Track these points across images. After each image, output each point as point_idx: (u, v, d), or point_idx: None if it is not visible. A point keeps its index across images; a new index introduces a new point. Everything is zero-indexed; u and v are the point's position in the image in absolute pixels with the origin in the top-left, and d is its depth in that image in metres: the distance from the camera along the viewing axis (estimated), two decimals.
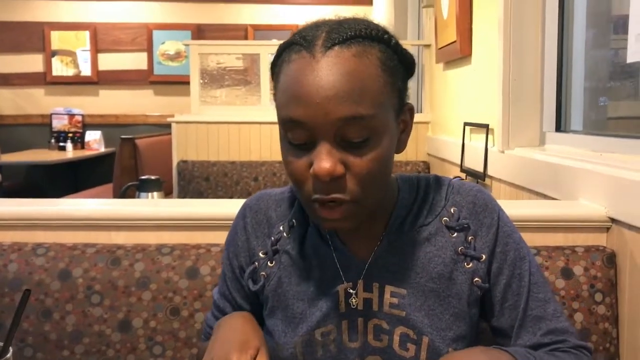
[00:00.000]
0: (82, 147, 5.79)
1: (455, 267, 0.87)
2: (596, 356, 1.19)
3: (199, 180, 3.40)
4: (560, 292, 1.20)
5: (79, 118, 5.88)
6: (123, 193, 2.50)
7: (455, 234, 0.87)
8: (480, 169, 2.25)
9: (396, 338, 0.86)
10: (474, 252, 0.87)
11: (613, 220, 1.27)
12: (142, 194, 2.31)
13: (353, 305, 0.86)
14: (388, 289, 0.86)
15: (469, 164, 2.47)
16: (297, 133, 0.76)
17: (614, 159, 1.44)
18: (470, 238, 0.87)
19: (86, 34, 5.89)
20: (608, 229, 1.29)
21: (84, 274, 1.22)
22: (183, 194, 3.42)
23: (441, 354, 0.84)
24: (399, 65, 0.80)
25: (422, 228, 0.88)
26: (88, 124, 5.90)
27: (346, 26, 0.77)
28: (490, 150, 2.17)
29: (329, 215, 0.77)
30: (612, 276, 1.22)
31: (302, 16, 5.84)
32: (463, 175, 2.52)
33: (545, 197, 1.64)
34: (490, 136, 2.19)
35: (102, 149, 5.71)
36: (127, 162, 3.97)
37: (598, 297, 1.21)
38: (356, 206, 0.77)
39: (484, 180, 2.24)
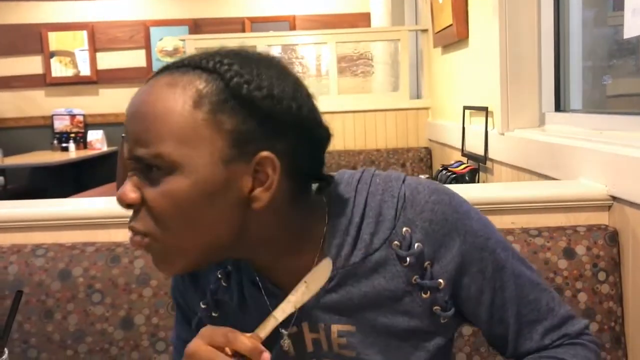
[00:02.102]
0: (85, 147, 5.80)
1: (411, 300, 0.76)
2: (601, 335, 1.18)
3: None
4: (563, 273, 1.19)
5: (80, 118, 5.88)
6: None
7: (408, 261, 0.75)
8: (481, 152, 2.24)
9: None
10: (429, 282, 0.75)
11: (614, 198, 1.26)
12: None
13: (285, 348, 0.79)
14: (335, 328, 0.77)
15: (470, 147, 2.46)
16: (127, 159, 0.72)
17: (614, 137, 1.42)
18: (426, 264, 0.75)
19: (84, 34, 5.88)
20: (609, 207, 1.28)
21: (84, 273, 1.21)
22: None
23: None
24: (240, 104, 0.67)
25: (368, 258, 0.75)
26: (90, 123, 5.90)
27: (194, 56, 0.71)
28: (490, 133, 2.16)
29: (135, 246, 0.71)
30: (615, 255, 1.21)
31: (299, 7, 5.82)
32: (464, 160, 2.50)
33: (547, 177, 1.62)
34: (489, 119, 2.18)
35: (105, 148, 5.71)
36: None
37: (601, 276, 1.20)
38: (152, 243, 0.70)
39: (485, 163, 2.23)
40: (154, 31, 5.89)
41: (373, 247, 0.75)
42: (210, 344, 0.68)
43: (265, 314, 0.73)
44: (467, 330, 1.19)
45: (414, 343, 0.78)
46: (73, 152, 5.59)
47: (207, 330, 0.70)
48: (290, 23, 5.87)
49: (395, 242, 0.75)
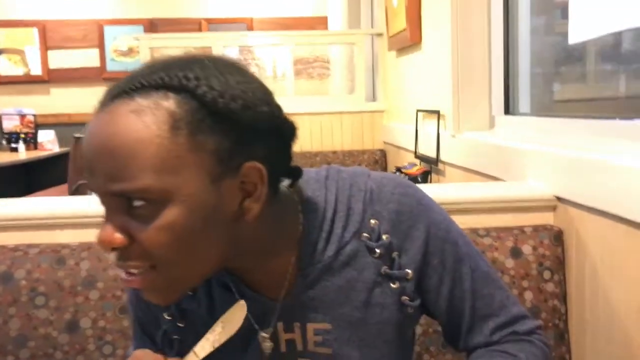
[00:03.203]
0: (35, 148, 5.64)
1: (381, 290, 0.78)
2: (546, 333, 1.21)
3: None
4: (510, 272, 1.22)
5: (31, 118, 5.71)
6: (75, 191, 2.44)
7: (377, 252, 0.77)
8: (433, 154, 2.27)
9: None
10: (398, 272, 0.78)
11: (559, 199, 1.29)
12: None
13: (267, 351, 0.79)
14: (310, 327, 0.78)
15: (423, 150, 2.49)
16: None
17: (560, 140, 1.46)
18: (394, 255, 0.77)
19: (34, 31, 5.73)
20: (555, 207, 1.31)
21: (27, 276, 1.18)
22: None
23: None
24: (217, 120, 0.64)
25: (340, 252, 0.76)
26: (40, 124, 5.74)
27: (148, 72, 0.65)
28: (442, 135, 2.19)
29: (131, 284, 0.67)
30: (559, 254, 1.25)
31: (256, 9, 5.80)
32: (417, 162, 2.53)
33: (496, 179, 1.66)
34: (441, 121, 2.21)
35: (56, 149, 5.57)
36: (81, 161, 3.88)
37: (547, 275, 1.23)
38: (154, 276, 0.66)
39: (437, 165, 2.26)
40: (108, 30, 5.78)
41: (344, 240, 0.76)
42: None
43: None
44: (417, 329, 1.20)
45: (386, 336, 0.79)
46: (23, 153, 5.43)
47: (139, 353, 0.71)
48: (247, 25, 5.85)
49: (365, 234, 0.77)
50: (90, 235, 1.27)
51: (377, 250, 0.77)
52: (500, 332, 0.82)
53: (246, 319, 0.75)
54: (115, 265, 0.67)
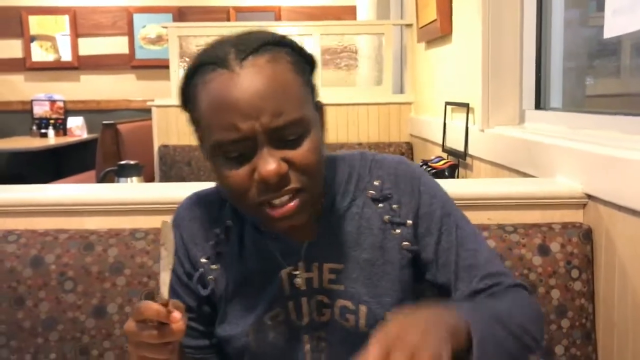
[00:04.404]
0: (64, 134, 5.71)
1: (385, 236, 0.92)
2: (572, 332, 1.20)
3: (181, 165, 3.37)
4: (537, 269, 1.20)
5: (61, 104, 5.80)
6: (102, 179, 2.48)
7: (381, 205, 0.93)
8: (461, 148, 2.25)
9: (336, 310, 0.91)
10: (399, 219, 0.92)
11: (589, 196, 1.27)
12: (122, 179, 2.28)
13: (297, 285, 0.91)
14: (326, 266, 0.91)
15: (451, 143, 2.47)
16: (234, 147, 0.79)
17: (591, 136, 1.44)
18: (395, 206, 0.93)
19: (65, 19, 5.78)
20: (584, 205, 1.29)
21: (56, 260, 1.20)
22: (165, 179, 3.39)
23: (379, 319, 0.89)
24: (306, 65, 0.85)
25: (352, 204, 0.93)
26: (70, 110, 5.82)
27: (249, 37, 0.82)
28: (471, 129, 2.16)
29: (279, 213, 0.80)
30: (588, 252, 1.23)
31: None
32: (445, 155, 2.51)
33: (525, 174, 1.63)
34: (470, 115, 2.19)
35: (85, 135, 5.64)
36: (109, 148, 3.92)
37: (574, 273, 1.21)
38: (304, 195, 0.81)
39: (465, 160, 2.24)
40: (137, 18, 5.81)
41: (355, 195, 0.93)
42: (135, 320, 0.75)
43: (268, 254, 0.90)
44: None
45: (389, 276, 0.91)
46: (52, 139, 5.52)
47: (133, 310, 0.77)
48: (275, 14, 5.83)
49: (370, 190, 0.93)
50: (117, 222, 1.28)
51: (381, 203, 0.93)
52: (487, 281, 0.91)
53: (273, 257, 0.90)
54: (266, 199, 0.79)
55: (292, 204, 0.80)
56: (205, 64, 0.80)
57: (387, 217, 0.92)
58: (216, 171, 0.83)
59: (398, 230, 0.92)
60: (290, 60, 0.82)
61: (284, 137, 0.79)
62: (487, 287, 0.91)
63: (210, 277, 0.93)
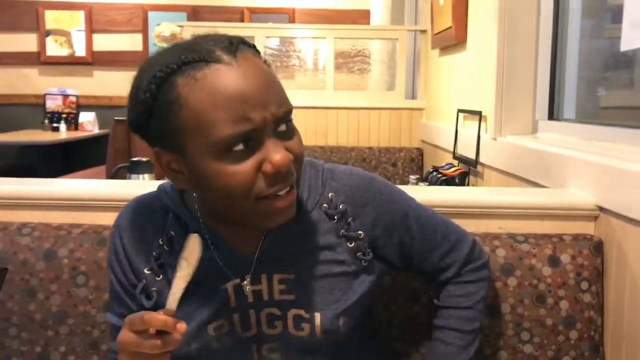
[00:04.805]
0: (76, 128, 5.75)
1: (341, 249, 0.93)
2: (580, 344, 1.20)
3: None
4: (546, 280, 1.20)
5: (73, 99, 5.83)
6: (114, 175, 2.49)
7: (336, 219, 0.93)
8: (472, 156, 2.25)
9: (290, 322, 0.90)
10: (354, 233, 0.93)
11: (601, 209, 1.27)
12: (133, 175, 2.29)
13: (247, 293, 0.90)
14: (276, 277, 0.90)
15: (462, 150, 2.47)
16: (243, 140, 0.76)
17: (605, 148, 1.43)
18: (349, 220, 0.93)
19: (81, 14, 5.82)
20: (596, 217, 1.29)
21: (69, 255, 1.21)
22: None
23: (334, 324, 0.90)
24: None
25: (305, 217, 0.91)
26: (82, 104, 5.85)
27: (221, 37, 0.81)
28: (483, 137, 2.16)
29: (284, 204, 0.80)
30: (598, 265, 1.22)
31: (299, 1, 5.80)
32: (455, 162, 2.51)
33: (536, 184, 1.63)
34: (483, 123, 2.19)
35: (96, 131, 5.67)
36: (121, 144, 3.95)
37: (584, 285, 1.21)
38: (295, 190, 0.83)
39: (476, 168, 2.24)
40: (152, 15, 5.85)
41: (308, 209, 0.92)
42: (133, 331, 0.75)
43: (213, 266, 0.88)
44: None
45: (343, 285, 0.92)
46: (64, 133, 5.55)
47: (128, 319, 0.77)
48: (289, 15, 5.85)
49: (324, 204, 0.93)
50: None
51: (336, 217, 0.92)
52: (445, 260, 1.01)
53: (219, 268, 0.88)
54: (274, 192, 0.79)
55: (292, 195, 0.82)
56: (189, 62, 0.76)
57: (342, 231, 0.93)
58: (214, 172, 0.77)
59: (353, 244, 0.93)
60: (264, 59, 0.84)
61: (282, 127, 0.80)
62: (447, 266, 1.02)
63: (154, 288, 0.91)
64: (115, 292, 0.95)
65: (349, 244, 0.93)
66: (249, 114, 0.75)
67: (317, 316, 0.90)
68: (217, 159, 0.76)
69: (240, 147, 0.76)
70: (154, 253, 0.91)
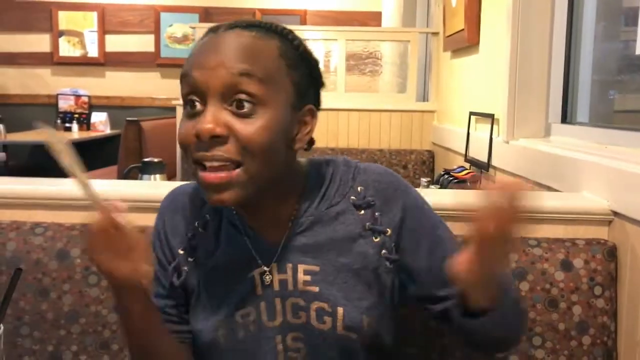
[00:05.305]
0: (88, 129, 5.79)
1: (365, 242, 0.92)
2: (593, 350, 1.19)
3: None
4: (559, 284, 1.19)
5: (85, 99, 5.88)
6: (126, 175, 2.50)
7: (363, 212, 0.93)
8: (484, 159, 2.24)
9: (313, 313, 0.91)
10: (380, 227, 0.93)
11: (615, 213, 1.26)
12: (145, 176, 2.31)
13: (267, 283, 0.92)
14: (301, 267, 0.91)
15: (474, 153, 2.46)
16: (190, 100, 0.82)
17: (618, 152, 1.42)
18: (376, 214, 0.93)
19: (94, 15, 5.87)
20: (610, 222, 1.27)
21: (81, 255, 1.21)
22: (187, 178, 3.41)
23: (356, 321, 0.90)
24: (300, 62, 0.87)
25: (331, 208, 0.92)
26: (94, 105, 5.90)
27: (250, 20, 0.86)
28: (495, 140, 2.15)
29: (209, 178, 0.80)
30: (612, 270, 1.21)
31: (311, 2, 5.81)
32: (467, 165, 2.50)
33: (549, 188, 1.62)
34: (495, 126, 2.18)
35: (108, 131, 5.71)
36: (132, 144, 3.97)
37: (597, 290, 1.20)
38: (241, 173, 0.81)
39: (488, 171, 2.23)
40: (164, 17, 5.88)
41: (335, 200, 0.93)
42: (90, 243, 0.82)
43: (243, 252, 0.92)
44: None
45: (366, 280, 0.92)
46: (76, 133, 5.59)
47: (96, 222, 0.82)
48: (301, 17, 5.86)
49: (352, 197, 0.93)
50: (142, 219, 1.29)
51: (362, 209, 0.93)
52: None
53: (250, 255, 0.92)
54: (198, 158, 0.80)
55: (222, 174, 0.80)
56: (207, 33, 0.86)
57: (368, 224, 0.93)
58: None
59: (378, 238, 0.93)
60: (280, 46, 0.85)
61: (235, 102, 0.80)
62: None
63: (185, 268, 0.96)
64: (155, 272, 0.97)
65: (374, 238, 0.93)
66: (193, 73, 0.81)
67: (340, 311, 0.90)
68: (182, 117, 0.85)
69: (189, 106, 0.82)
70: (188, 234, 0.96)
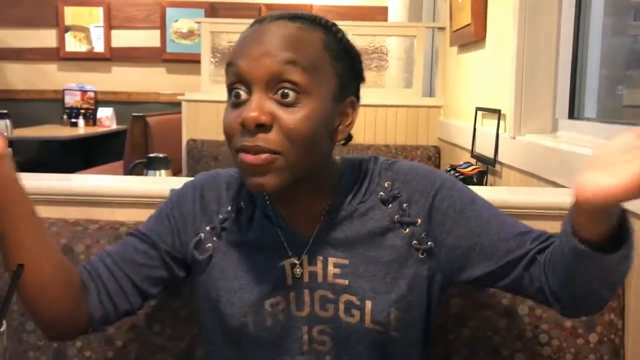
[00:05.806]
0: (94, 124, 5.80)
1: (394, 235, 0.92)
2: (600, 347, 1.18)
3: (208, 160, 3.40)
4: None
5: (92, 94, 5.88)
6: (131, 170, 2.50)
7: (390, 205, 0.93)
8: (490, 154, 2.23)
9: (341, 306, 0.91)
10: (408, 219, 0.92)
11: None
12: (150, 171, 2.30)
13: (297, 275, 0.92)
14: (331, 260, 0.92)
15: (480, 149, 2.45)
16: (235, 91, 0.83)
17: None
18: (404, 205, 0.93)
19: (100, 10, 5.87)
20: None
21: (85, 251, 1.21)
22: (192, 173, 3.41)
23: (384, 315, 0.90)
24: (344, 54, 0.88)
25: (361, 204, 0.93)
26: (100, 100, 5.90)
27: (294, 13, 0.87)
28: (502, 136, 2.14)
29: (250, 159, 0.81)
30: None
31: None
32: (473, 161, 2.49)
33: (556, 184, 1.61)
34: (501, 122, 2.16)
35: (114, 126, 5.72)
36: (138, 139, 3.97)
37: None
38: (280, 160, 0.81)
39: (494, 167, 2.22)
40: (170, 12, 5.87)
41: (365, 197, 0.94)
42: None
43: (274, 242, 0.92)
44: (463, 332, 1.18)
45: (395, 273, 0.91)
46: (82, 128, 5.60)
47: None
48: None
49: (380, 192, 0.94)
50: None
51: (389, 202, 0.93)
52: (541, 239, 0.89)
53: (281, 246, 0.92)
54: (241, 146, 0.81)
55: (264, 156, 0.81)
56: (253, 23, 0.88)
57: (396, 217, 0.93)
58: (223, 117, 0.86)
59: (407, 230, 0.93)
60: (324, 38, 0.86)
61: (280, 91, 0.81)
62: (547, 242, 0.89)
63: (210, 245, 0.96)
64: (165, 214, 0.99)
65: (403, 230, 0.93)
66: (237, 61, 0.82)
67: (368, 304, 0.90)
68: (227, 106, 0.86)
69: (234, 96, 0.83)
70: (220, 216, 0.97)
